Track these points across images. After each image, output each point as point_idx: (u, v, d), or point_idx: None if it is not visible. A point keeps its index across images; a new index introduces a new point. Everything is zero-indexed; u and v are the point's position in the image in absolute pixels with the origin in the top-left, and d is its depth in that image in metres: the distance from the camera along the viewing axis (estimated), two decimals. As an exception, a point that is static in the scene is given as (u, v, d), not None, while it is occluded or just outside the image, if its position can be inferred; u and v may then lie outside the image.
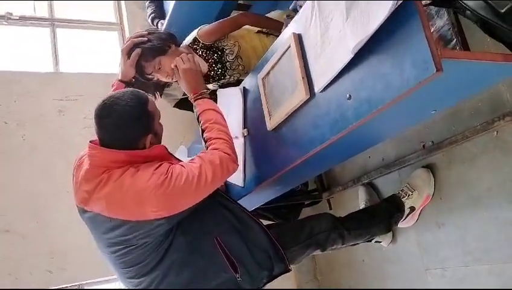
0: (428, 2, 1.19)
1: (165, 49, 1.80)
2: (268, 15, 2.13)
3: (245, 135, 1.79)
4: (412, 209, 2.06)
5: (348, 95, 1.16)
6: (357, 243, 1.98)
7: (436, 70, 0.90)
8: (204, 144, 1.58)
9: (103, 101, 1.43)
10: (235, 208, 1.65)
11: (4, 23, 3.33)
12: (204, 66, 1.98)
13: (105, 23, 3.81)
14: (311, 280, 3.19)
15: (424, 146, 2.04)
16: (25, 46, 3.50)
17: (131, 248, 1.44)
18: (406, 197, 2.03)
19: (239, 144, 1.79)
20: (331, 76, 1.19)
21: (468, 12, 1.11)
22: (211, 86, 2.11)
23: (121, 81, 1.80)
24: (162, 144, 1.56)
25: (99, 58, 3.64)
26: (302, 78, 1.33)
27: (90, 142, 1.46)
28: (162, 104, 2.81)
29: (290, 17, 1.69)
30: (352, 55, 1.10)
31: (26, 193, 2.82)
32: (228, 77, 2.05)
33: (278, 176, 1.58)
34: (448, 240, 2.00)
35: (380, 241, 2.29)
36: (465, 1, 1.10)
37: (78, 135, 2.96)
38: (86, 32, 3.74)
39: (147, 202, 1.34)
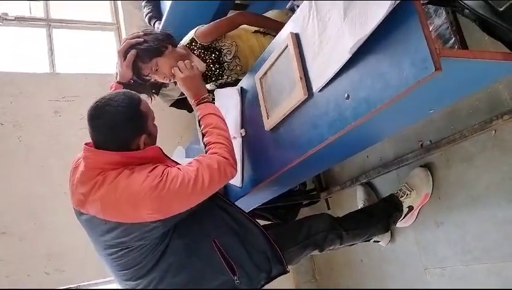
0: (426, 0, 1.18)
1: (162, 50, 1.78)
2: (265, 14, 2.13)
3: (243, 135, 1.78)
4: (411, 208, 2.05)
5: (346, 95, 1.16)
6: (355, 243, 1.98)
7: (435, 70, 0.90)
8: (204, 148, 1.57)
9: (95, 102, 1.42)
10: (232, 210, 1.64)
11: (0, 23, 3.31)
12: (202, 66, 1.97)
13: (102, 23, 3.80)
14: (309, 280, 3.19)
15: (422, 145, 2.03)
16: (21, 46, 3.49)
17: (127, 250, 1.43)
18: (404, 196, 2.03)
19: (237, 145, 1.79)
20: (329, 76, 1.19)
21: (466, 11, 1.10)
22: (208, 86, 2.10)
23: (119, 83, 1.79)
24: (158, 144, 1.55)
25: (95, 59, 3.63)
26: (300, 78, 1.32)
27: (85, 144, 1.45)
28: (159, 105, 2.81)
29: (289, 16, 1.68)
30: (350, 55, 1.09)
31: (23, 195, 2.81)
32: (226, 77, 2.04)
33: (276, 176, 1.57)
34: (447, 239, 2.00)
35: (379, 241, 2.29)
36: (463, 0, 1.09)
37: (74, 136, 2.95)
38: (82, 33, 3.73)
39: (141, 205, 1.33)
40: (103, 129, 1.40)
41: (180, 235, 1.48)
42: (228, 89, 1.90)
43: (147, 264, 1.46)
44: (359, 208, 2.32)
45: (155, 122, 1.55)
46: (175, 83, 1.83)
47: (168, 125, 3.15)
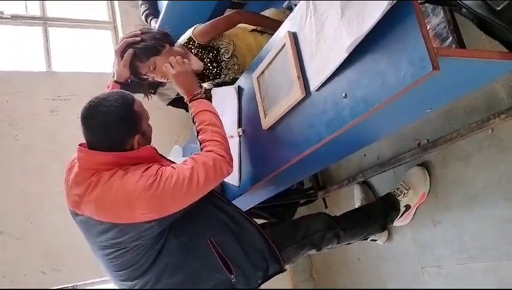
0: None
1: (159, 49, 1.78)
2: (262, 13, 2.12)
3: (240, 134, 1.77)
4: (408, 207, 2.06)
5: (344, 94, 1.16)
6: (353, 242, 1.98)
7: (433, 69, 0.90)
8: (199, 145, 1.56)
9: (88, 102, 1.42)
10: (229, 209, 1.63)
11: (-4, 22, 3.30)
12: (199, 65, 1.96)
13: (98, 21, 3.78)
14: (307, 279, 3.19)
15: (419, 144, 2.03)
16: (17, 45, 3.47)
17: (123, 250, 1.42)
18: (402, 195, 2.03)
19: (234, 144, 1.78)
20: (326, 75, 1.18)
21: (464, 10, 1.10)
22: (206, 85, 2.10)
23: (115, 82, 1.78)
24: (155, 143, 1.54)
25: (92, 57, 3.61)
26: (298, 77, 1.32)
27: (79, 145, 1.44)
28: (156, 104, 2.81)
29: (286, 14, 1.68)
30: (347, 54, 1.09)
31: (19, 194, 2.80)
32: (223, 76, 2.03)
33: (273, 175, 1.57)
34: (445, 238, 2.00)
35: (376, 240, 2.29)
36: (461, -1, 1.09)
37: (71, 135, 2.93)
38: (79, 31, 3.71)
39: (136, 205, 1.32)
40: (96, 129, 1.40)
41: (176, 235, 1.47)
42: (225, 88, 1.90)
43: (143, 264, 1.46)
44: (356, 207, 2.32)
45: (150, 122, 1.54)
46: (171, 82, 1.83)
47: (165, 125, 3.15)
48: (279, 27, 1.49)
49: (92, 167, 1.39)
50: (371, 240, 2.23)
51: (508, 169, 1.70)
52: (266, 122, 1.55)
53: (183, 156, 2.39)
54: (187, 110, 1.70)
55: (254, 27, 2.03)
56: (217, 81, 2.06)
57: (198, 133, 1.58)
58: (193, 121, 1.62)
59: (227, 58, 1.97)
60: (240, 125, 1.78)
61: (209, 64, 1.97)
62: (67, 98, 3.17)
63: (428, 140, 1.98)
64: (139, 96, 1.72)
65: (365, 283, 2.62)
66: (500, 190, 1.74)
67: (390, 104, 1.04)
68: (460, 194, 1.91)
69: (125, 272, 1.48)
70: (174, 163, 1.55)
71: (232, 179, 1.78)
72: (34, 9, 3.50)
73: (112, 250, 1.43)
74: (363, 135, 1.50)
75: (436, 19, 1.25)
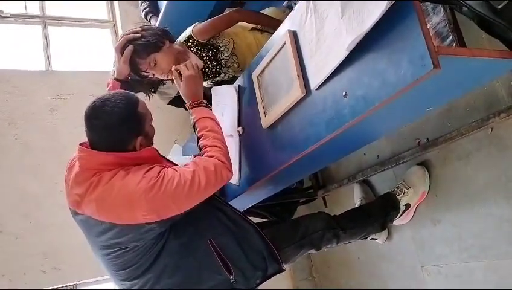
0: (424, -2, 1.18)
1: (160, 45, 1.78)
2: (262, 12, 2.12)
3: (240, 133, 1.77)
4: (408, 206, 2.05)
5: (344, 93, 1.15)
6: (352, 241, 1.98)
7: (434, 67, 0.90)
8: (199, 151, 1.57)
9: (93, 102, 1.41)
10: (228, 210, 1.64)
11: (-5, 21, 3.29)
12: (199, 64, 1.96)
13: (98, 20, 3.78)
14: (306, 278, 3.19)
15: (419, 143, 2.03)
16: (17, 44, 3.46)
17: (123, 250, 1.42)
18: (402, 194, 2.03)
19: (234, 142, 1.78)
20: (326, 73, 1.18)
21: (465, 8, 1.10)
22: (205, 84, 2.09)
23: (115, 79, 1.78)
24: (155, 142, 1.54)
25: (91, 56, 3.61)
26: (298, 75, 1.32)
27: (80, 144, 1.44)
28: (156, 102, 2.80)
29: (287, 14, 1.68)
30: (347, 53, 1.09)
31: (18, 193, 2.80)
32: (223, 74, 2.03)
33: (273, 174, 1.57)
34: (444, 236, 2.00)
35: (376, 239, 2.29)
36: (461, -2, 1.09)
37: (70, 134, 2.93)
38: (78, 30, 3.71)
39: (136, 206, 1.32)
40: (99, 130, 1.40)
41: (176, 236, 1.47)
42: (225, 86, 1.89)
43: (143, 264, 1.46)
44: (356, 206, 2.32)
45: (152, 120, 1.55)
46: (172, 81, 1.82)
47: (165, 123, 3.14)
48: (279, 26, 1.49)
49: (93, 167, 1.39)
50: (371, 239, 2.22)
51: (508, 168, 1.70)
52: (266, 121, 1.55)
53: (183, 155, 2.39)
54: (187, 109, 1.70)
55: (254, 26, 2.03)
56: (216, 79, 2.06)
57: (199, 139, 1.59)
58: (194, 127, 1.63)
59: (227, 56, 1.96)
60: (239, 124, 1.78)
61: (208, 63, 1.97)
62: (67, 97, 3.17)
63: (428, 139, 1.97)
64: (140, 96, 1.72)
65: (365, 282, 2.62)
66: (500, 189, 1.74)
67: (391, 103, 1.04)
68: (460, 193, 1.91)
69: (125, 271, 1.48)
70: (175, 164, 1.56)
71: (232, 178, 1.77)
72: (34, 8, 3.49)
73: (112, 250, 1.43)
74: (363, 133, 1.50)
75: (437, 18, 1.25)
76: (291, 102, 1.37)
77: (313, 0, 1.25)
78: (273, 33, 1.56)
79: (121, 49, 1.74)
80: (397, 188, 2.05)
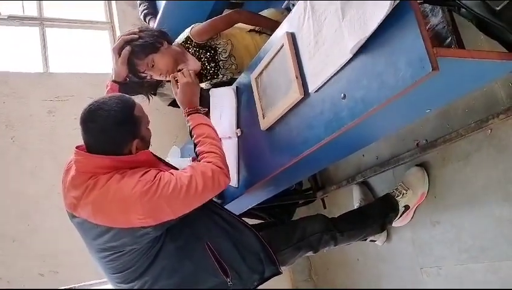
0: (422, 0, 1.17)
1: (157, 46, 1.78)
2: (261, 13, 2.11)
3: (238, 135, 1.77)
4: (407, 207, 2.05)
5: (342, 95, 1.15)
6: (351, 243, 1.97)
7: (432, 69, 0.89)
8: (196, 158, 1.57)
9: (89, 105, 1.41)
10: (224, 213, 1.64)
11: (-8, 22, 3.28)
12: (197, 65, 1.96)
13: (96, 22, 3.77)
14: (306, 279, 3.18)
15: (418, 144, 2.03)
16: (14, 46, 3.45)
17: (119, 254, 1.42)
18: (401, 195, 2.02)
19: (232, 144, 1.78)
20: (326, 76, 1.18)
21: (463, 10, 1.10)
22: (203, 85, 2.09)
23: (114, 81, 1.78)
24: (153, 144, 1.54)
25: (89, 58, 3.60)
26: (296, 77, 1.31)
27: (76, 147, 1.44)
28: (154, 104, 2.79)
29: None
30: (351, 55, 1.08)
31: (16, 196, 2.79)
32: (221, 76, 2.03)
33: (272, 176, 1.56)
34: (444, 238, 2.00)
35: (375, 241, 2.28)
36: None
37: (68, 136, 2.92)
38: (76, 32, 3.70)
39: (132, 210, 1.32)
40: (95, 133, 1.40)
41: (172, 239, 1.47)
42: (223, 88, 1.89)
43: (139, 267, 1.46)
44: (355, 207, 2.32)
45: (149, 123, 1.54)
46: (169, 81, 1.82)
47: (163, 125, 3.14)
48: (277, 28, 1.49)
49: (89, 170, 1.39)
50: (370, 240, 2.22)
51: (507, 169, 1.70)
52: (264, 123, 1.54)
53: (181, 157, 2.38)
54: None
55: (252, 27, 2.03)
56: (214, 81, 2.05)
57: (196, 145, 1.59)
58: (191, 134, 1.64)
59: (225, 57, 1.96)
60: (238, 126, 1.78)
61: (206, 64, 1.97)
62: (65, 99, 3.16)
63: (427, 140, 1.97)
64: (139, 98, 1.72)
65: (364, 283, 2.61)
66: (499, 190, 1.73)
67: (390, 105, 1.04)
68: (459, 194, 1.90)
69: (122, 274, 1.48)
70: (172, 167, 1.55)
71: (231, 181, 1.77)
72: (31, 10, 3.48)
73: (108, 253, 1.43)
74: (362, 135, 1.50)
75: (435, 19, 1.24)
76: (290, 104, 1.37)
77: (311, 2, 1.24)
78: (271, 35, 1.56)
79: (119, 50, 1.74)
80: (396, 189, 2.05)
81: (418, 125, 2.01)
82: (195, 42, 1.91)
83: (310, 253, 1.82)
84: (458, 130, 1.76)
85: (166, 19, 2.49)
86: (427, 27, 1.26)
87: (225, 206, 1.78)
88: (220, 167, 1.47)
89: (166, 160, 1.82)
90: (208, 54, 1.95)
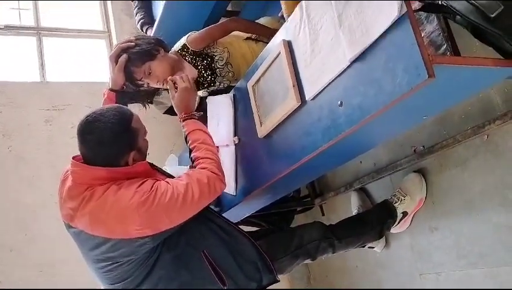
0: (418, 8, 1.18)
1: (154, 53, 1.78)
2: (257, 21, 2.12)
3: (236, 142, 1.77)
4: (405, 214, 2.05)
5: (339, 102, 1.15)
6: (349, 250, 1.97)
7: (428, 76, 0.89)
8: (192, 163, 1.57)
9: (86, 117, 1.41)
10: (221, 221, 1.64)
11: (-11, 32, 3.29)
12: (193, 73, 1.96)
13: (93, 31, 3.78)
14: (304, 286, 3.17)
15: (415, 151, 2.03)
16: (11, 55, 3.45)
17: (116, 264, 1.42)
18: (399, 202, 2.02)
19: (230, 152, 1.78)
20: (323, 84, 1.18)
21: (458, 17, 1.11)
22: (200, 93, 2.09)
23: (111, 90, 1.77)
24: (151, 152, 1.54)
25: (86, 67, 3.60)
26: (293, 85, 1.32)
27: (73, 158, 1.44)
28: (152, 112, 2.79)
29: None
30: (348, 63, 1.09)
31: (13, 205, 2.78)
32: (218, 83, 2.03)
33: (269, 184, 1.56)
34: (442, 244, 1.99)
35: (373, 247, 2.28)
36: (455, 6, 1.09)
37: (65, 145, 2.91)
38: (73, 41, 3.70)
39: (129, 221, 1.32)
40: (92, 145, 1.39)
41: (169, 249, 1.47)
42: (221, 96, 1.89)
43: (137, 277, 1.46)
44: (354, 214, 2.32)
45: (147, 133, 1.54)
46: (167, 90, 1.82)
47: (161, 133, 3.13)
48: (273, 36, 1.49)
49: (85, 182, 1.39)
50: (369, 247, 2.22)
51: (504, 174, 1.70)
52: (262, 131, 1.55)
53: (179, 165, 2.38)
54: (182, 121, 1.69)
55: (248, 35, 2.03)
56: (211, 88, 2.06)
57: (191, 151, 1.59)
58: (186, 140, 1.63)
59: (222, 65, 1.96)
60: (235, 134, 1.78)
61: (203, 72, 1.97)
62: (62, 108, 3.16)
63: (424, 146, 1.98)
64: (136, 107, 1.71)
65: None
66: (497, 196, 1.73)
67: (386, 111, 1.04)
68: (457, 199, 1.91)
69: (119, 284, 1.47)
70: (169, 175, 1.55)
71: (228, 188, 1.77)
72: (28, 19, 3.49)
73: (106, 264, 1.43)
74: (359, 142, 1.50)
75: (430, 27, 1.25)
76: (287, 111, 1.37)
77: (307, 10, 1.25)
78: (267, 43, 1.56)
79: (116, 58, 1.74)
80: (394, 195, 2.05)
81: (415, 131, 2.02)
82: (191, 50, 1.92)
83: (307, 261, 1.82)
84: (455, 136, 1.77)
85: (163, 27, 2.50)
86: (422, 34, 1.27)
87: (223, 214, 1.77)
88: (215, 173, 1.46)
89: (164, 168, 1.82)
90: (205, 61, 1.95)
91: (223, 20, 2.19)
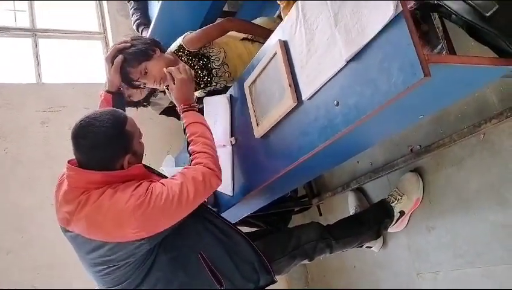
0: (414, 7, 1.18)
1: (150, 53, 1.77)
2: (254, 21, 2.12)
3: (233, 143, 1.77)
4: (402, 213, 2.05)
5: (335, 102, 1.15)
6: (346, 250, 1.97)
7: (424, 75, 0.90)
8: (189, 156, 1.56)
9: (80, 121, 1.40)
10: (218, 222, 1.63)
11: (-15, 34, 3.28)
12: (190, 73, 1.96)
13: (89, 32, 3.77)
14: (302, 286, 3.17)
15: (411, 150, 2.04)
16: (7, 57, 3.44)
17: (114, 267, 1.41)
18: (396, 201, 2.03)
19: (227, 153, 1.77)
20: (319, 84, 1.18)
21: (453, 16, 1.11)
22: (197, 94, 2.09)
23: (108, 91, 1.77)
24: (148, 153, 1.53)
25: (82, 68, 3.60)
26: (289, 85, 1.32)
27: (68, 162, 1.43)
28: (148, 114, 2.79)
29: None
30: (345, 63, 1.09)
31: (10, 207, 2.77)
32: (214, 84, 2.03)
33: (267, 184, 1.56)
34: (439, 243, 2.00)
35: (371, 247, 2.28)
36: (450, 6, 1.10)
37: (62, 147, 2.89)
38: (69, 42, 3.70)
39: (126, 224, 1.32)
40: (86, 149, 1.39)
41: (165, 250, 1.46)
42: (217, 96, 1.89)
43: (134, 280, 1.45)
44: (351, 213, 2.32)
45: (142, 131, 1.54)
46: (163, 92, 1.82)
47: (158, 134, 3.13)
48: (270, 36, 1.49)
49: (81, 186, 1.38)
50: (366, 247, 2.22)
51: (500, 173, 1.71)
52: (259, 131, 1.55)
53: (176, 166, 2.37)
54: (179, 119, 1.69)
55: (245, 35, 2.03)
56: (208, 89, 2.05)
57: (189, 143, 1.58)
58: (184, 132, 1.62)
59: (218, 65, 1.96)
60: (232, 134, 1.78)
61: (199, 72, 1.97)
62: (58, 110, 3.15)
63: (420, 146, 1.98)
64: (131, 110, 1.70)
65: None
66: (493, 194, 1.74)
67: (383, 111, 1.04)
68: (453, 198, 1.91)
69: (117, 288, 1.47)
70: (165, 177, 1.54)
71: (226, 189, 1.77)
72: (24, 21, 3.48)
73: (103, 267, 1.42)
74: (356, 142, 1.50)
75: (426, 26, 1.25)
76: (283, 111, 1.37)
77: (303, 10, 1.25)
78: (264, 43, 1.56)
79: (112, 59, 1.74)
80: (391, 195, 2.05)
81: (412, 131, 2.02)
82: (187, 50, 1.91)
83: (305, 261, 1.82)
84: (451, 135, 1.77)
85: (159, 28, 2.50)
86: (418, 34, 1.27)
87: (220, 214, 1.77)
88: (211, 169, 1.45)
89: (160, 169, 1.82)
90: (201, 62, 1.95)
91: (219, 20, 2.18)
